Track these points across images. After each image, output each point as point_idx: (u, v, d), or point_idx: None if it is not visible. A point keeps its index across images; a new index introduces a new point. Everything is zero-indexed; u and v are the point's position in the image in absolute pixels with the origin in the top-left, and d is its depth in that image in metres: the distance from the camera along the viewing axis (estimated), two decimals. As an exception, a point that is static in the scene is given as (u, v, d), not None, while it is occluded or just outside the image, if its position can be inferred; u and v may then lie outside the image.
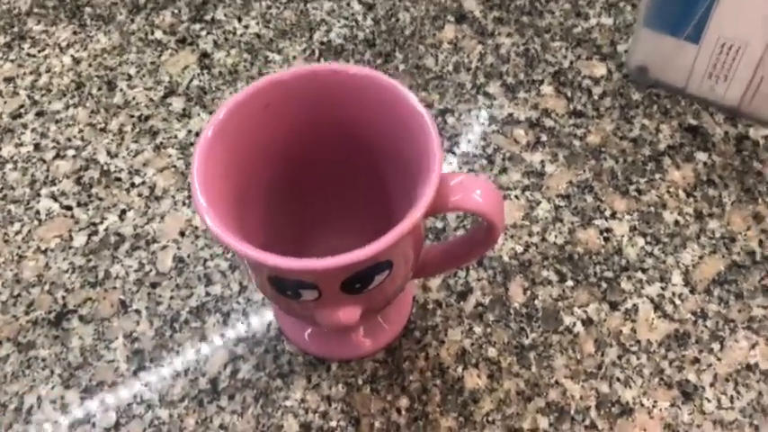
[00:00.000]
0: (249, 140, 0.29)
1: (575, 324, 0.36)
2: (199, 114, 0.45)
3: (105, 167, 0.43)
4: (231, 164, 0.29)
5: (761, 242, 0.39)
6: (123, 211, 0.41)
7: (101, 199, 0.42)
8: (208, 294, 0.38)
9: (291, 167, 0.32)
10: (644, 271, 0.38)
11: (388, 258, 0.27)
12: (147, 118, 0.45)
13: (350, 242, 0.36)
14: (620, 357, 0.35)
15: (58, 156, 0.44)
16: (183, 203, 0.41)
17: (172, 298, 0.38)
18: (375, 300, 0.30)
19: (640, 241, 0.39)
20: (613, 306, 0.37)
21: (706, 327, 0.36)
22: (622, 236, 0.39)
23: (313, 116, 0.30)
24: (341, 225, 0.35)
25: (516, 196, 0.40)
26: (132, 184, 0.42)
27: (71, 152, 0.44)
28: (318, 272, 0.25)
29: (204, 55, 0.48)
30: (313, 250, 0.37)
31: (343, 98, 0.30)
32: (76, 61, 0.48)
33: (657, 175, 0.41)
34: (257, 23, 0.49)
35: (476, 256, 0.32)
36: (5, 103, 0.46)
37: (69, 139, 0.44)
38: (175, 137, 0.44)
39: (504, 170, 0.41)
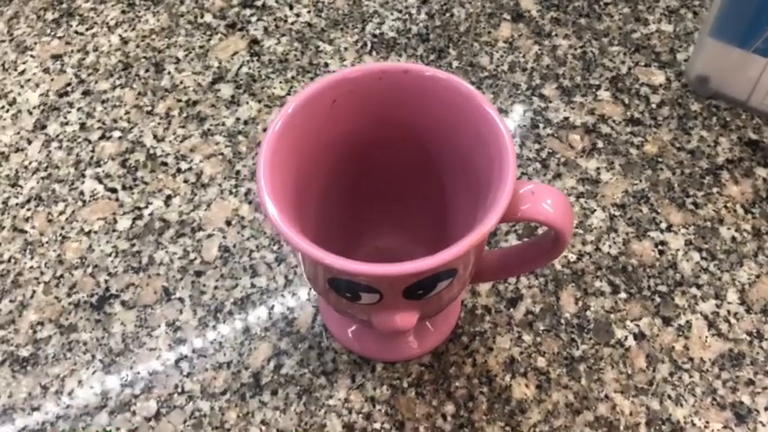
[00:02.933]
0: (313, 135, 0.29)
1: (626, 338, 0.36)
2: (247, 102, 0.44)
3: (151, 151, 0.42)
4: (294, 158, 0.28)
5: (820, 264, 0.38)
6: (169, 197, 0.41)
7: (146, 183, 0.41)
8: (253, 286, 0.37)
9: (352, 164, 0.31)
10: (699, 287, 0.37)
11: (453, 267, 0.26)
12: (195, 103, 0.44)
13: (401, 242, 0.36)
14: (671, 374, 0.35)
15: (103, 137, 0.43)
16: (230, 192, 0.41)
17: (216, 288, 0.37)
18: (432, 306, 0.29)
19: (696, 256, 0.38)
20: (666, 321, 0.36)
21: (762, 348, 0.35)
22: (677, 250, 0.38)
23: (378, 115, 0.30)
24: (394, 224, 0.35)
25: (570, 203, 0.39)
26: (179, 170, 0.42)
27: (117, 134, 0.43)
28: (386, 277, 0.25)
29: (254, 41, 0.47)
30: (364, 247, 0.36)
31: (411, 99, 0.29)
32: (124, 41, 0.47)
33: (715, 189, 0.40)
34: (309, 12, 0.49)
35: (537, 266, 0.31)
36: (52, 80, 0.46)
37: (115, 121, 0.44)
38: (223, 124, 0.43)
39: (558, 175, 0.41)
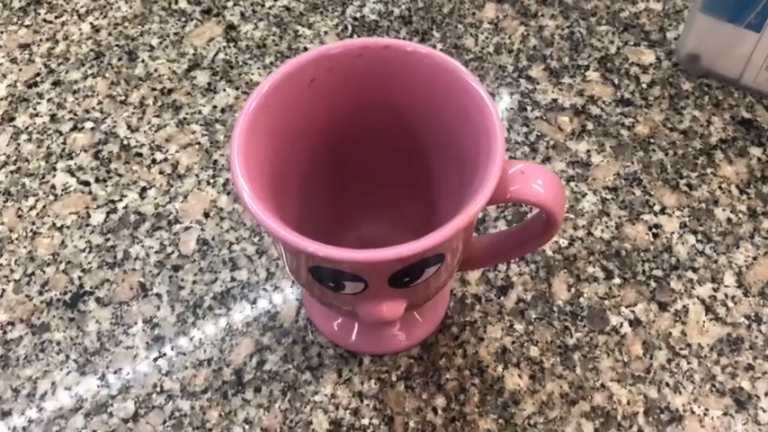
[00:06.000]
0: (291, 116, 0.27)
1: (621, 324, 0.34)
2: (224, 89, 0.42)
3: (125, 142, 0.41)
4: (271, 141, 0.27)
5: (818, 244, 0.37)
6: (144, 189, 0.39)
7: (120, 175, 0.40)
8: (233, 280, 0.36)
9: (333, 147, 0.30)
10: (695, 270, 0.36)
11: (440, 252, 0.25)
12: (170, 91, 0.43)
13: (385, 230, 0.35)
14: (669, 361, 0.33)
15: (75, 128, 0.41)
16: (208, 183, 0.39)
17: (195, 282, 0.36)
18: (419, 294, 0.28)
19: (691, 239, 0.37)
20: (662, 307, 0.35)
21: (761, 332, 0.34)
22: (672, 233, 0.37)
23: (359, 93, 0.28)
24: (378, 211, 0.33)
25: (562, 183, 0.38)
26: (154, 161, 0.40)
27: (89, 125, 0.42)
28: (371, 264, 0.23)
29: (230, 27, 0.45)
30: (347, 236, 0.35)
31: (392, 76, 0.28)
32: (96, 29, 0.46)
33: (709, 170, 0.39)
34: (287, -5, 0.47)
35: (528, 250, 0.30)
36: (21, 70, 0.44)
37: (87, 111, 0.42)
38: (200, 112, 0.42)
39: (547, 159, 0.39)
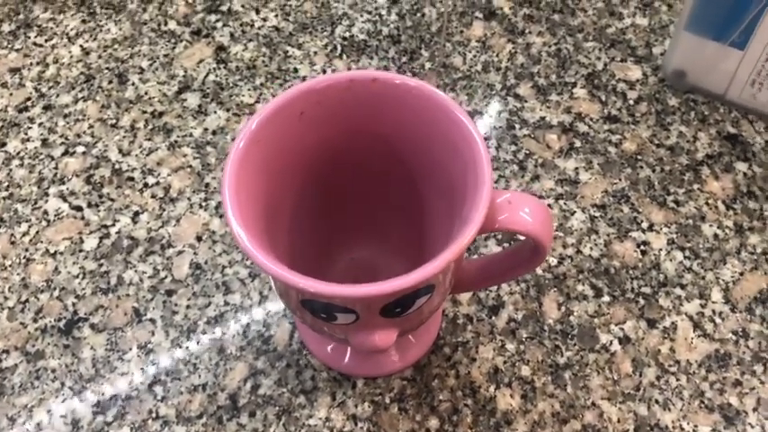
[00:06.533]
0: (282, 149, 0.28)
1: (611, 342, 0.35)
2: (215, 111, 0.43)
3: (117, 166, 0.41)
4: (262, 175, 0.27)
5: (803, 258, 0.37)
6: (136, 213, 0.39)
7: (112, 200, 0.40)
8: (226, 304, 0.36)
9: (323, 176, 0.30)
10: (682, 287, 0.36)
11: (431, 283, 0.25)
12: (161, 114, 0.43)
13: (377, 252, 0.35)
14: (658, 378, 0.34)
15: (66, 152, 0.42)
16: (200, 206, 0.39)
17: (188, 307, 0.36)
18: (411, 322, 0.28)
19: (678, 255, 0.37)
20: (651, 324, 0.35)
21: (748, 347, 0.35)
22: (660, 249, 0.37)
23: (348, 125, 0.29)
24: (370, 234, 0.34)
25: (549, 205, 0.39)
26: (146, 185, 0.40)
27: (80, 149, 0.42)
28: (361, 299, 0.24)
29: (220, 48, 0.46)
30: (339, 259, 0.35)
31: (381, 107, 0.28)
32: (86, 52, 0.46)
33: (696, 186, 0.39)
34: (276, 16, 0.47)
35: (518, 275, 0.30)
36: (11, 95, 0.44)
37: (79, 135, 0.42)
38: (191, 135, 0.42)
39: (536, 177, 0.40)
